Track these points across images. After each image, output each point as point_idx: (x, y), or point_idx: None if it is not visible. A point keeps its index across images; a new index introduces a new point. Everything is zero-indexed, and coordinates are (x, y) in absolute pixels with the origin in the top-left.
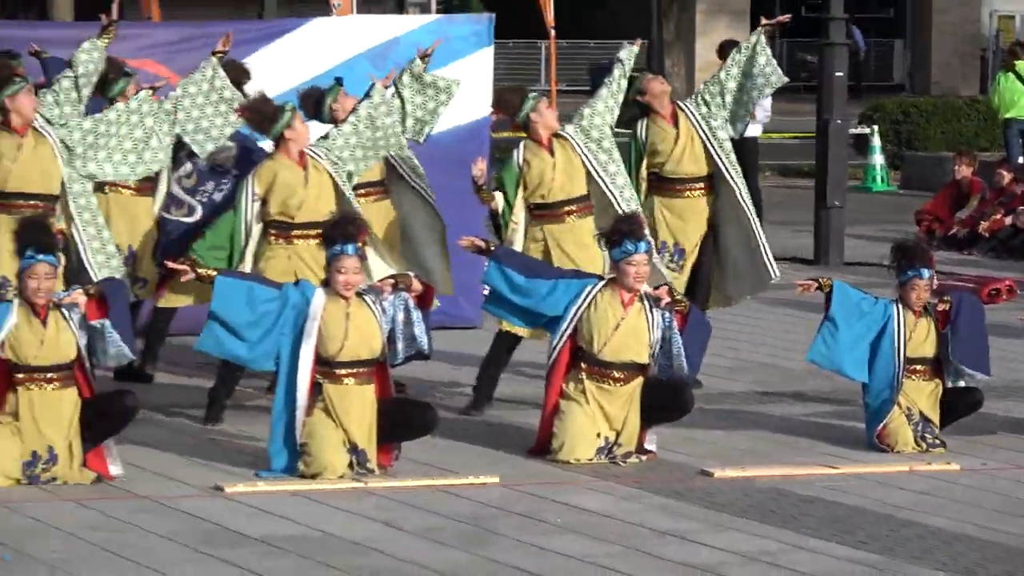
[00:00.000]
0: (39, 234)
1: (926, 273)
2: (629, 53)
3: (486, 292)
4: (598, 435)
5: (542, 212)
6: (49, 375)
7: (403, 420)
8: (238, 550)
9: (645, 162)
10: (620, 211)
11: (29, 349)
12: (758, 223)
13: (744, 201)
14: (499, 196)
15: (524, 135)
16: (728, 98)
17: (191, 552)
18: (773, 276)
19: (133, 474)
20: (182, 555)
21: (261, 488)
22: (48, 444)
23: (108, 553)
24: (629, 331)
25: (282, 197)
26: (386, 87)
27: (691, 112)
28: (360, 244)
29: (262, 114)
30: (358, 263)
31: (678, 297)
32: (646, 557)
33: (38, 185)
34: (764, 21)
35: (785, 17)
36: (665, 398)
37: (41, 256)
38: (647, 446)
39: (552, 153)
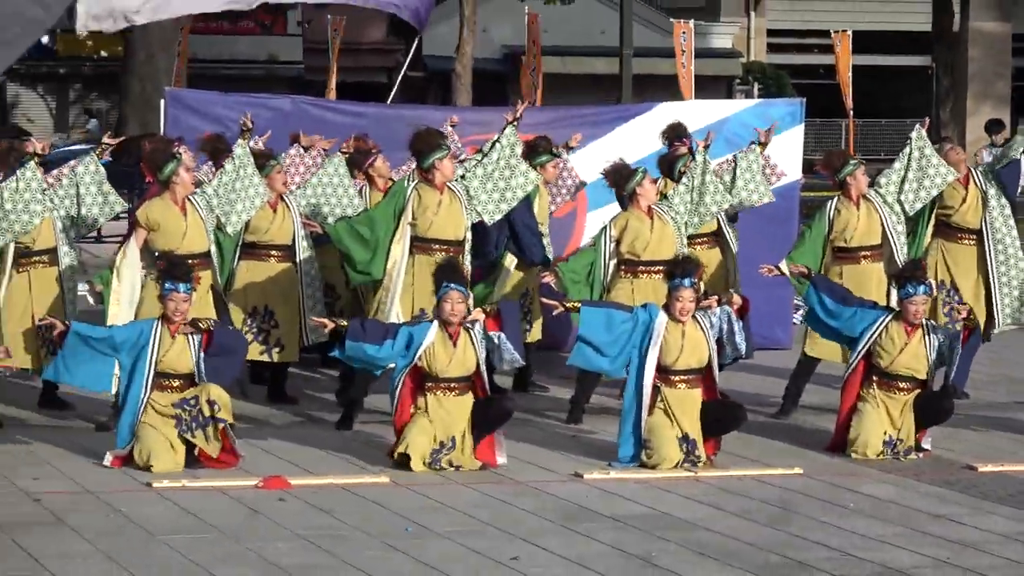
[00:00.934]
0: (451, 271)
1: None
2: (919, 134)
3: (803, 311)
4: (885, 433)
5: (843, 255)
6: (453, 384)
7: (722, 417)
8: (593, 525)
9: (935, 212)
10: (900, 261)
11: (440, 364)
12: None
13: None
14: (783, 266)
15: (838, 192)
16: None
17: (556, 526)
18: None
19: (510, 463)
20: (548, 529)
21: (612, 475)
22: (452, 435)
23: (489, 526)
24: (912, 353)
25: (631, 240)
26: (705, 147)
27: (980, 178)
28: (696, 279)
29: (621, 175)
30: (693, 294)
31: (973, 316)
32: (923, 535)
33: (450, 233)
34: None
35: None
36: (932, 404)
37: (454, 286)
38: (923, 444)
39: (858, 208)
